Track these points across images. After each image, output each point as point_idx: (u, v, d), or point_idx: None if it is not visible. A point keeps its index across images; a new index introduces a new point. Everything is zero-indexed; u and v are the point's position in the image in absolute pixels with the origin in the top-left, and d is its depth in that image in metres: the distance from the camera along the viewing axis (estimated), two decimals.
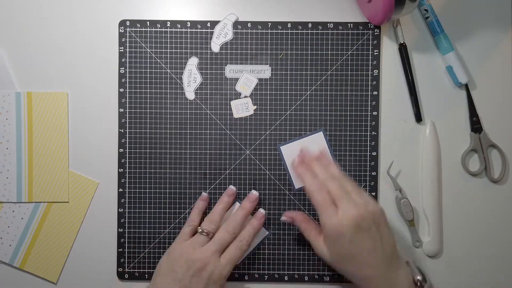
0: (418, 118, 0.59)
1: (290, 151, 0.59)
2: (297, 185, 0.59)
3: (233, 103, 0.60)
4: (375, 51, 0.60)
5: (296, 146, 0.59)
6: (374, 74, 0.60)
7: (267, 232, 0.59)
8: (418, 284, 0.50)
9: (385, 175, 0.59)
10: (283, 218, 0.57)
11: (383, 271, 0.50)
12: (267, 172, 0.60)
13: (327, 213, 0.51)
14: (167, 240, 0.59)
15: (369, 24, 0.60)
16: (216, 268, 0.52)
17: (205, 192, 0.59)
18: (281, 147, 0.59)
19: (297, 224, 0.56)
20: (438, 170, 0.59)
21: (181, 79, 0.60)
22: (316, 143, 0.59)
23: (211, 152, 0.60)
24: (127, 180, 0.60)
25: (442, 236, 0.59)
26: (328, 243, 0.52)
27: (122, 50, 0.60)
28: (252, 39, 0.60)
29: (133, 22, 0.60)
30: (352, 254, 0.50)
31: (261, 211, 0.58)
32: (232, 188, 0.58)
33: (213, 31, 0.60)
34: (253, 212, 0.58)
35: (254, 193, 0.58)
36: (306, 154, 0.57)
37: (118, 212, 0.60)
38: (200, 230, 0.55)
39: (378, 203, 0.53)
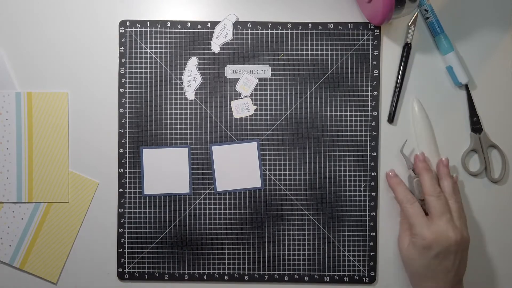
0: (390, 118, 0.59)
1: (220, 152, 0.59)
2: (219, 187, 0.59)
3: (233, 103, 0.60)
4: (375, 51, 0.60)
5: (228, 149, 0.59)
6: (374, 74, 0.60)
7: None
8: None
9: (385, 174, 0.59)
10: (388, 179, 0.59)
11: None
12: (267, 172, 0.60)
13: (419, 226, 0.53)
14: (167, 240, 0.59)
15: (369, 24, 0.60)
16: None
17: None
18: (213, 147, 0.59)
19: (398, 200, 0.57)
20: (435, 148, 0.59)
21: (181, 79, 0.60)
22: (247, 151, 0.59)
23: (211, 152, 0.60)
24: (127, 180, 0.60)
25: None
26: (412, 247, 0.54)
27: (122, 50, 0.60)
28: (252, 39, 0.60)
29: (133, 23, 0.60)
30: (428, 266, 0.53)
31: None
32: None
33: (213, 31, 0.60)
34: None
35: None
36: (422, 160, 0.57)
37: (118, 212, 0.60)
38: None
39: (468, 231, 0.55)
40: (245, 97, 0.60)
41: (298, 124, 0.60)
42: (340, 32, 0.60)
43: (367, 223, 0.59)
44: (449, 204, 0.54)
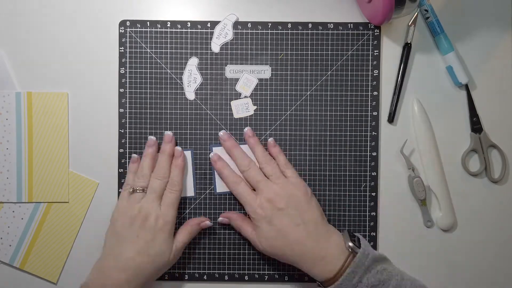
0: (390, 118, 0.59)
1: (220, 153, 0.59)
2: (219, 188, 0.59)
3: (233, 103, 0.60)
4: (375, 51, 0.60)
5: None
6: (374, 74, 0.60)
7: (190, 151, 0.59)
8: (350, 250, 0.51)
9: (385, 174, 0.59)
10: (220, 219, 0.58)
11: (310, 246, 0.51)
12: None
13: (248, 202, 0.54)
14: None
15: (369, 25, 0.60)
16: (158, 215, 0.53)
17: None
18: (213, 147, 0.59)
19: (233, 223, 0.57)
20: (435, 148, 0.59)
21: (181, 79, 0.60)
22: (247, 151, 0.58)
23: (211, 152, 0.59)
24: None
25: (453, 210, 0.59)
26: (256, 231, 0.54)
27: (122, 50, 0.60)
28: (252, 39, 0.60)
29: (133, 23, 0.60)
30: (275, 234, 0.52)
31: (178, 148, 0.58)
32: (152, 138, 0.58)
33: (213, 31, 0.60)
34: None
35: (167, 133, 0.58)
36: (227, 140, 0.58)
37: None
38: (134, 189, 0.55)
39: (300, 180, 0.55)
40: (245, 97, 0.60)
41: (298, 124, 0.60)
42: (340, 32, 0.60)
43: (367, 223, 0.59)
44: (264, 170, 0.56)
